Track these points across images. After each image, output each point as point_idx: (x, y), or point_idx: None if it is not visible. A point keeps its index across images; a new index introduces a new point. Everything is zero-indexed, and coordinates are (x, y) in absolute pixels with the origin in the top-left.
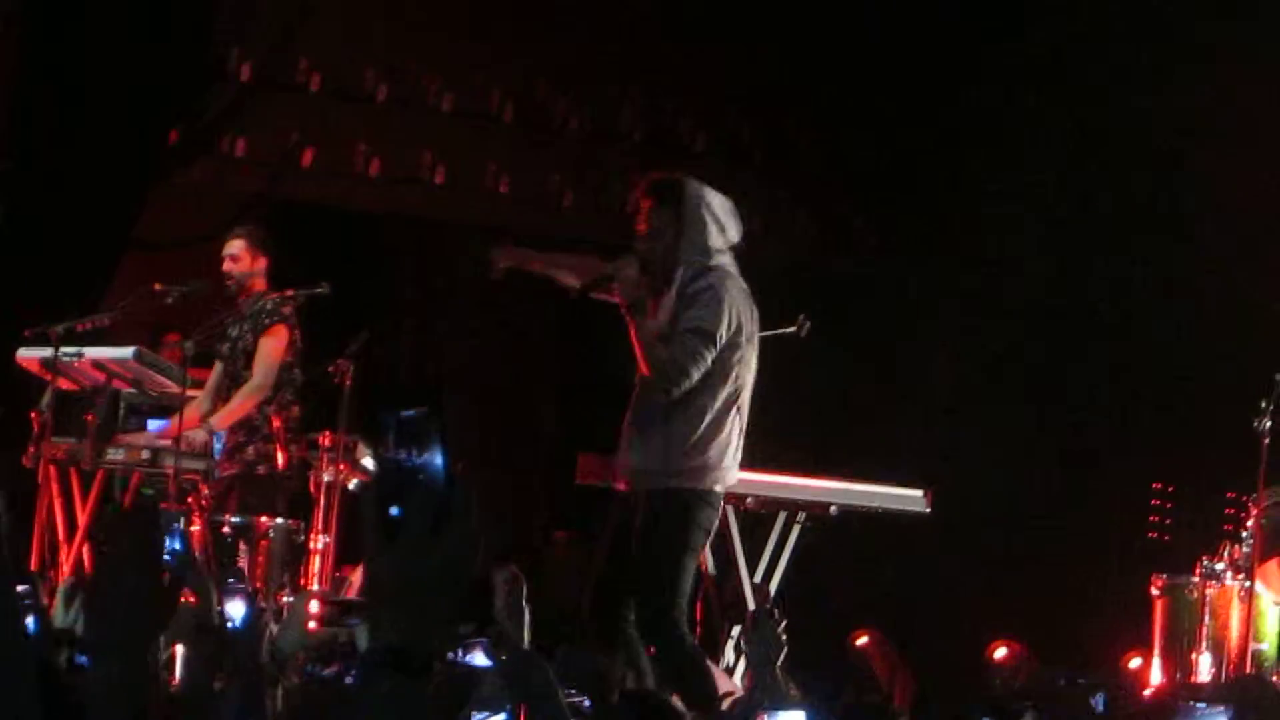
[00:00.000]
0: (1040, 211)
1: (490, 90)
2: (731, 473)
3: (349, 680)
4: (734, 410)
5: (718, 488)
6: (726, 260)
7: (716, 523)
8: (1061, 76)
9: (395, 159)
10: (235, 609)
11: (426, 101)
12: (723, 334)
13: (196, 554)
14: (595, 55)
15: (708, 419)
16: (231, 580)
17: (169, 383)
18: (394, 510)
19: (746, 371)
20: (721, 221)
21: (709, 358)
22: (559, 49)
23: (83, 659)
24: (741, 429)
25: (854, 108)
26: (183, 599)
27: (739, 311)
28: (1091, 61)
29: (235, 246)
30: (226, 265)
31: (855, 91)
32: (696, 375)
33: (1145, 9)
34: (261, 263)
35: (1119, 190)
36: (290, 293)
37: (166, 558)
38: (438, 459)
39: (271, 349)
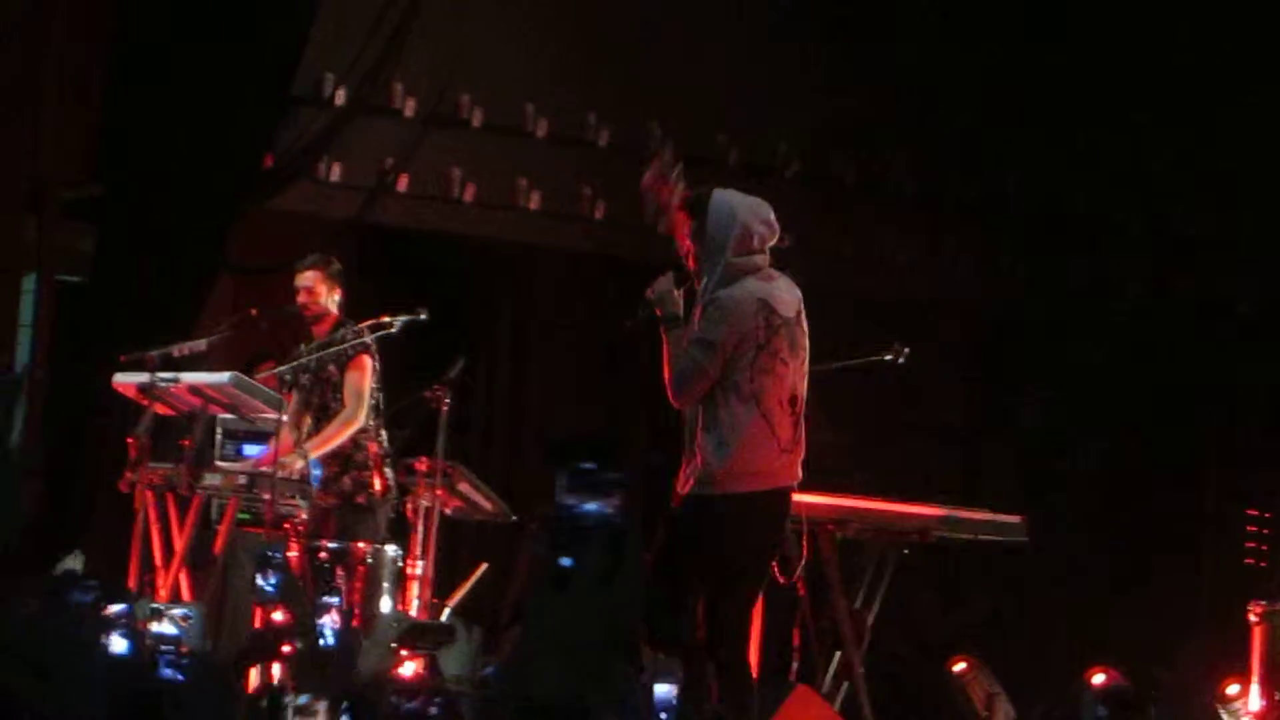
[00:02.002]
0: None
1: (585, 115)
2: (767, 476)
3: (433, 712)
4: (758, 415)
5: (748, 489)
6: (753, 265)
7: (774, 523)
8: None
9: (490, 184)
10: (330, 627)
11: (523, 127)
12: (721, 343)
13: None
14: (691, 79)
15: (726, 426)
16: (327, 598)
17: (266, 409)
18: (565, 560)
19: (767, 377)
20: (750, 228)
21: (708, 367)
22: (657, 71)
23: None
24: (776, 433)
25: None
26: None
27: (748, 320)
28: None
29: (307, 278)
30: (301, 296)
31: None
32: (696, 384)
33: None
34: (336, 292)
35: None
36: (385, 318)
37: (269, 586)
38: (612, 506)
39: (358, 379)
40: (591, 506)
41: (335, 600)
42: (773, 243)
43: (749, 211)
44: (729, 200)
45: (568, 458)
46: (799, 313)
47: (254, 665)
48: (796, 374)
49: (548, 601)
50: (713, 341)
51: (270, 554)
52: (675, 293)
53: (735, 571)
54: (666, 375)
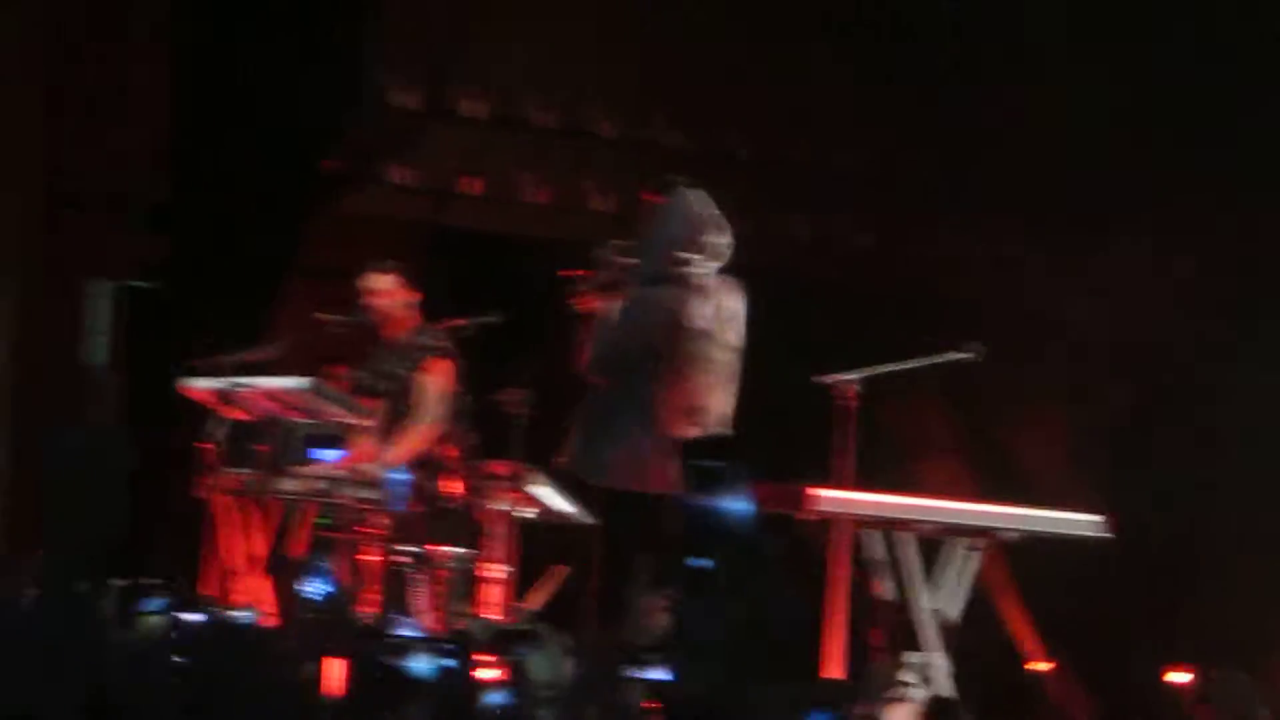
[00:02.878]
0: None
1: (654, 116)
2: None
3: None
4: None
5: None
6: (680, 275)
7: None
8: None
9: (560, 187)
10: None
11: (593, 130)
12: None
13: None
14: (767, 80)
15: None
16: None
17: (343, 413)
18: (700, 562)
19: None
20: (699, 240)
21: (616, 358)
22: (729, 75)
23: None
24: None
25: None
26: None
27: (652, 329)
28: None
29: (386, 281)
30: (377, 300)
31: None
32: (606, 368)
33: None
34: (415, 296)
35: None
36: (459, 322)
37: (319, 599)
38: (745, 510)
39: (438, 383)
40: (723, 506)
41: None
42: (716, 264)
43: (707, 222)
44: (694, 203)
45: (699, 457)
46: (724, 327)
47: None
48: (702, 386)
49: (689, 604)
50: (623, 339)
51: (317, 562)
52: (620, 260)
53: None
54: (585, 344)
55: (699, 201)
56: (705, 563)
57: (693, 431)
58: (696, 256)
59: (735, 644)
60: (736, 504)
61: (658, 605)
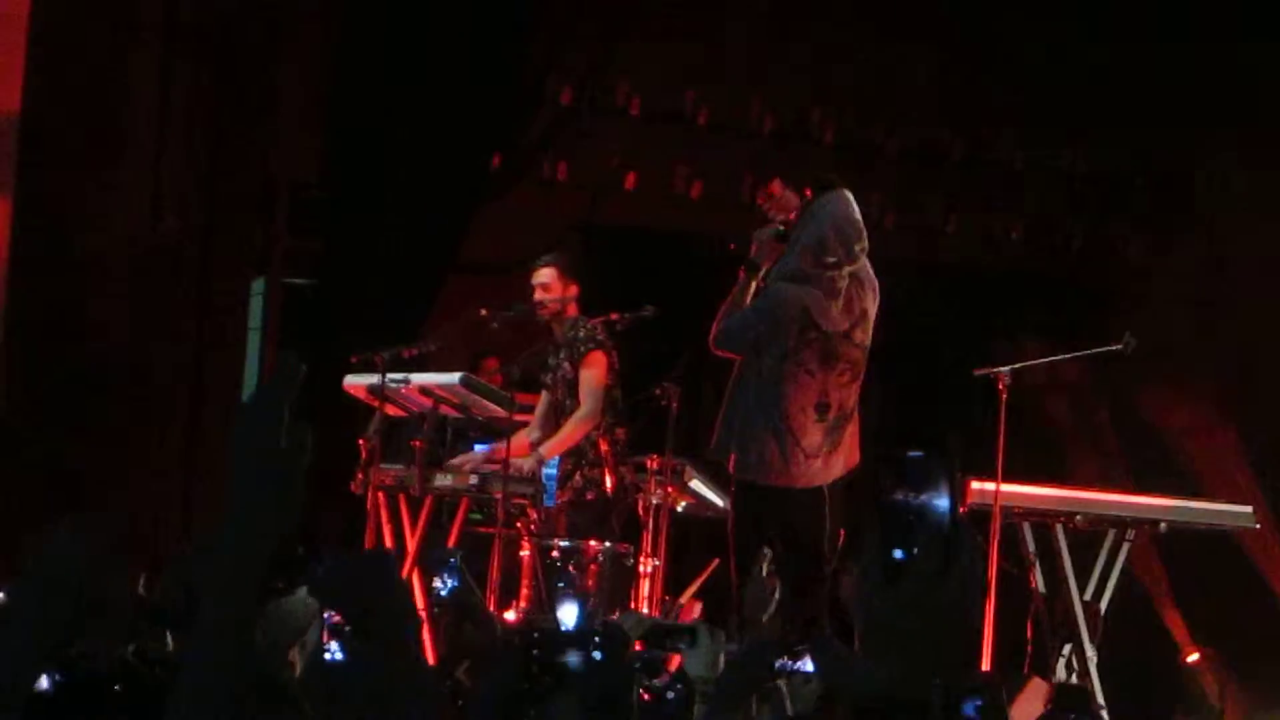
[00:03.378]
0: None
1: (810, 111)
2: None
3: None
4: (776, 419)
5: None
6: (819, 276)
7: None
8: None
9: (716, 182)
10: (568, 614)
11: (748, 124)
12: (758, 327)
13: (523, 579)
14: (914, 81)
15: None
16: (562, 585)
17: (496, 408)
18: (897, 553)
19: (789, 384)
20: (837, 244)
21: (747, 337)
22: (879, 71)
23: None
24: (798, 438)
25: None
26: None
27: (783, 324)
28: None
29: (545, 275)
30: (538, 294)
31: None
32: (734, 343)
33: None
34: (573, 289)
35: None
36: (614, 316)
37: (446, 594)
38: (944, 500)
39: (593, 376)
40: (920, 496)
41: (569, 587)
42: (851, 267)
43: (857, 227)
44: (843, 207)
45: (895, 448)
46: (854, 326)
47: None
48: (829, 384)
49: (884, 597)
50: (753, 324)
51: (448, 558)
52: (773, 243)
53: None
54: (719, 316)
55: (852, 205)
56: (900, 555)
57: (816, 428)
58: (841, 259)
59: (928, 637)
60: (937, 497)
61: (770, 598)
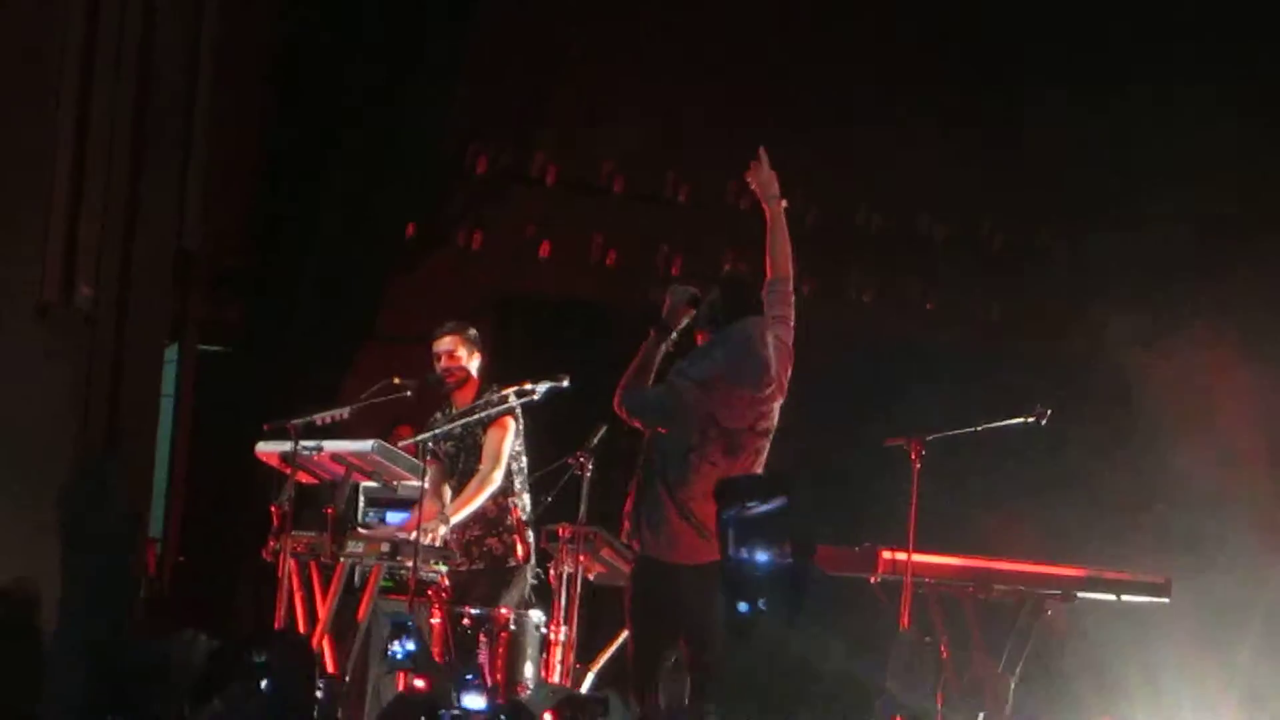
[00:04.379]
0: None
1: (725, 182)
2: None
3: None
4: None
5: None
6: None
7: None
8: None
9: (631, 250)
10: (473, 701)
11: (664, 193)
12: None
13: (434, 647)
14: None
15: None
16: (469, 676)
17: (408, 475)
18: (742, 607)
19: (694, 474)
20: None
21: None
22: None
23: None
24: (694, 523)
25: None
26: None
27: (686, 422)
28: None
29: (447, 343)
30: (444, 362)
31: None
32: (644, 415)
33: None
34: (476, 357)
35: None
36: (526, 385)
37: (403, 656)
38: (786, 552)
39: (499, 439)
40: (764, 551)
41: (475, 675)
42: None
43: (749, 361)
44: (741, 339)
45: (735, 498)
46: (758, 419)
47: None
48: (733, 471)
49: (729, 651)
50: (655, 412)
51: (403, 621)
52: (685, 306)
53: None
54: (627, 374)
55: (752, 337)
56: (745, 609)
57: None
58: (737, 385)
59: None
60: (776, 546)
61: (674, 673)
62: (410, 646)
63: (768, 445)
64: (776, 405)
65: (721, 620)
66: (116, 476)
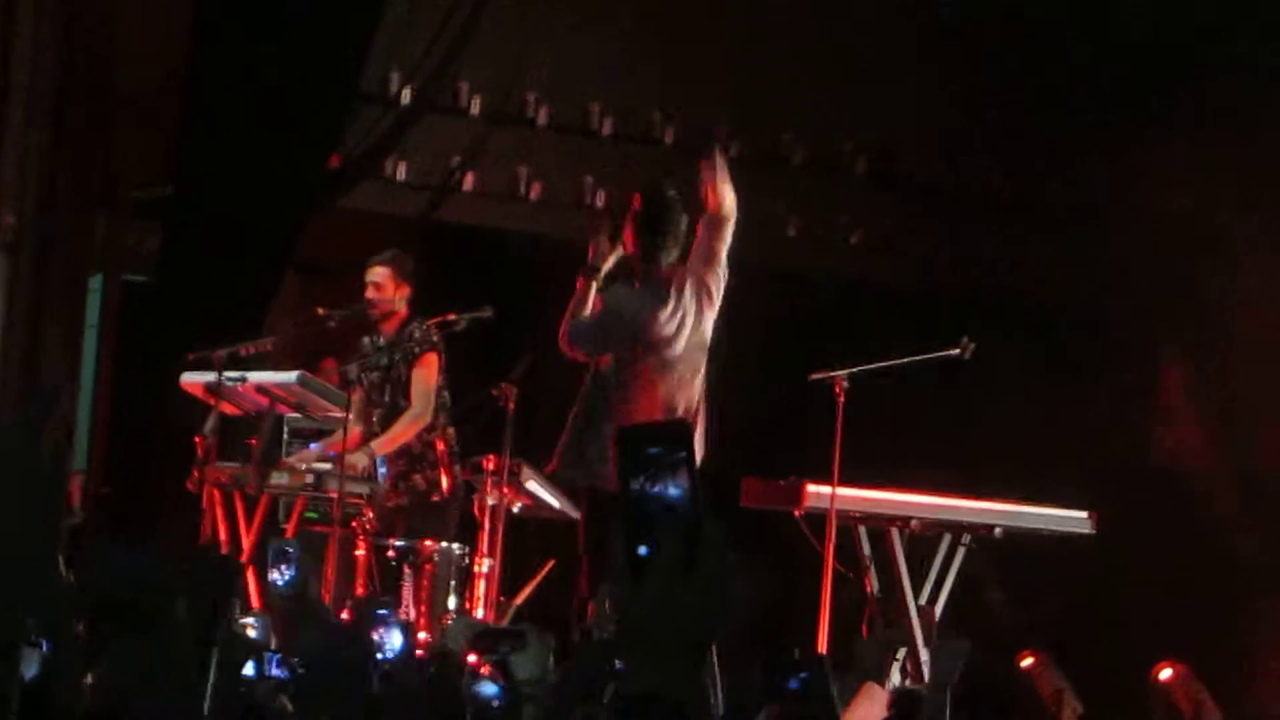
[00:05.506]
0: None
1: (650, 113)
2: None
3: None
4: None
5: None
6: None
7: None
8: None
9: (556, 183)
10: (392, 638)
11: (588, 125)
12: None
13: (358, 579)
14: (758, 73)
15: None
16: (383, 611)
17: (332, 407)
18: (642, 549)
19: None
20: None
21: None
22: (727, 71)
23: None
24: None
25: None
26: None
27: (617, 334)
28: None
29: (378, 274)
30: (370, 292)
31: None
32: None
33: None
34: (405, 290)
35: None
36: (450, 316)
37: (283, 584)
38: (685, 492)
39: (425, 377)
40: (663, 490)
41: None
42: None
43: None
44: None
45: (635, 443)
46: (679, 329)
47: None
48: (671, 386)
49: (632, 594)
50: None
51: (284, 549)
52: (609, 244)
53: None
54: (564, 319)
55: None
56: (644, 551)
57: None
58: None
59: (679, 631)
60: (676, 487)
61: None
62: (290, 575)
63: (701, 363)
64: (706, 314)
65: (621, 560)
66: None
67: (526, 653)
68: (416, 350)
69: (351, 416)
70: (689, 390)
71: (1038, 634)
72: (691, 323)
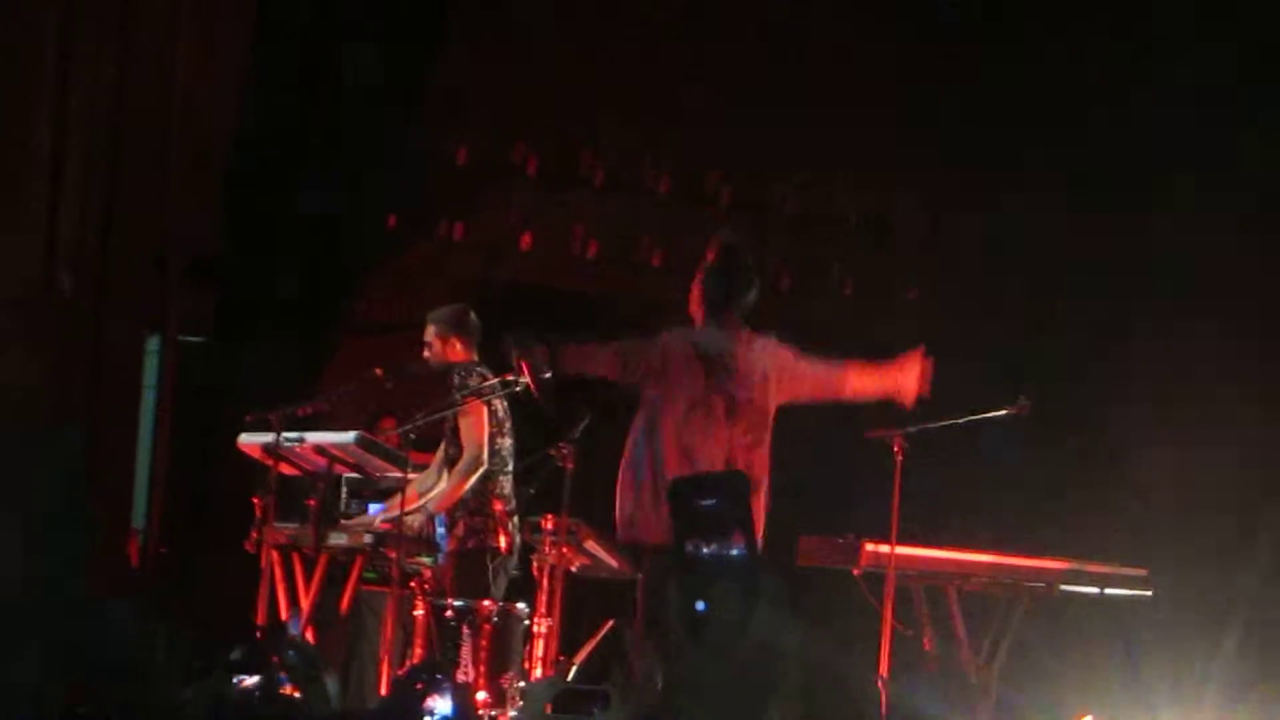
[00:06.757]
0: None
1: (706, 173)
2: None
3: None
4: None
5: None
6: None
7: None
8: None
9: (613, 242)
10: (441, 705)
11: (644, 184)
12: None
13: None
14: (815, 140)
15: None
16: (439, 676)
17: (391, 467)
18: (699, 605)
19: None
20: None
21: None
22: (779, 132)
23: None
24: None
25: None
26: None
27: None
28: None
29: (428, 332)
30: (425, 351)
31: None
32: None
33: None
34: (456, 343)
35: None
36: (508, 377)
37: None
38: (739, 548)
39: (472, 425)
40: (714, 548)
41: (444, 676)
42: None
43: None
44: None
45: (688, 497)
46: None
47: None
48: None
49: (690, 650)
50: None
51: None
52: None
53: None
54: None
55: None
56: (702, 607)
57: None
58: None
59: (732, 687)
60: (732, 545)
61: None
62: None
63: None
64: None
65: (677, 616)
66: (76, 459)
67: (611, 711)
68: (458, 398)
69: (434, 468)
70: (752, 455)
71: (1094, 694)
72: (762, 385)
